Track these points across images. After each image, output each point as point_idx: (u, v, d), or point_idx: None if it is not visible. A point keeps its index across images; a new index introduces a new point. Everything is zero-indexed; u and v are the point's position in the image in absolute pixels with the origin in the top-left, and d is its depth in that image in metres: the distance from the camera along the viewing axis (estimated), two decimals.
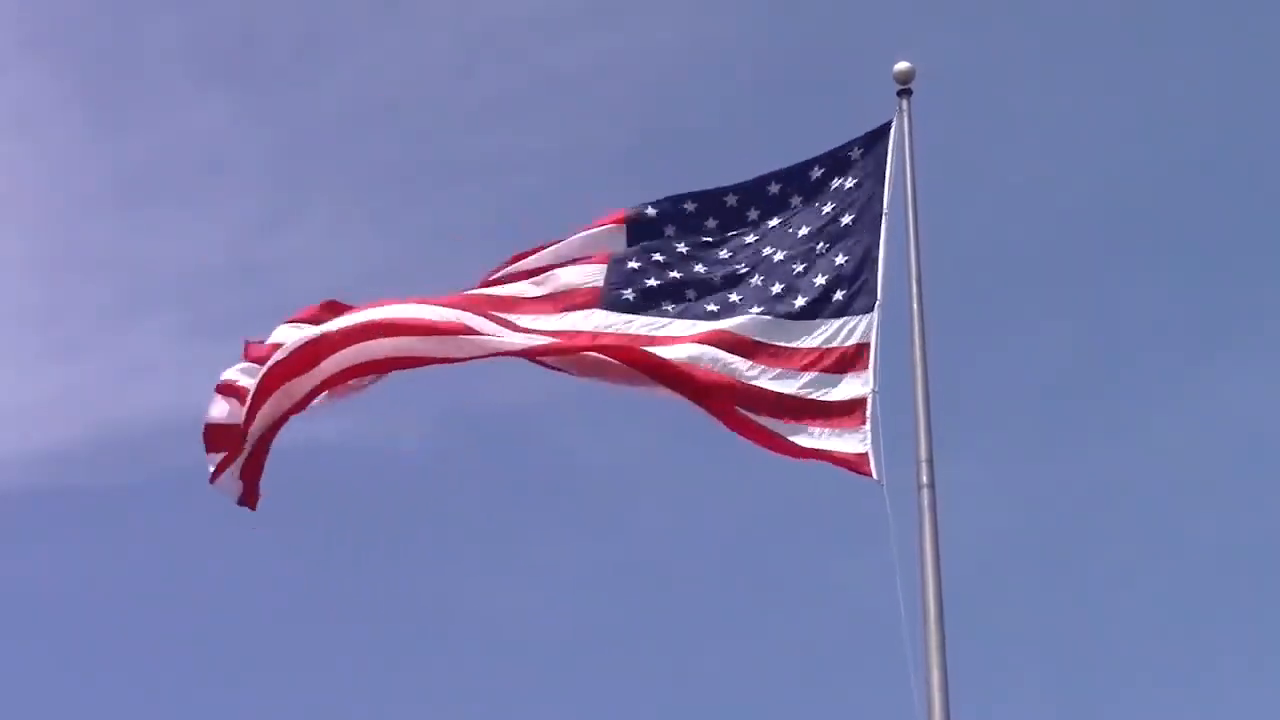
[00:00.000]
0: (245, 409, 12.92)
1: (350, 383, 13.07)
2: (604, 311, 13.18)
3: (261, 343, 13.30)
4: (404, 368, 13.04)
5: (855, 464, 12.20)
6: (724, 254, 13.48)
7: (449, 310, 13.01)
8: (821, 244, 13.24)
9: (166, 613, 29.73)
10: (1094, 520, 28.67)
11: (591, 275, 13.45)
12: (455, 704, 27.98)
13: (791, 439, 12.44)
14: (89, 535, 30.74)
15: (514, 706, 27.74)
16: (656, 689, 28.06)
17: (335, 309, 13.24)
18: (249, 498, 13.22)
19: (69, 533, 30.72)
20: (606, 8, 32.58)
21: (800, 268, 13.21)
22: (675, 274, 13.37)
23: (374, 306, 13.14)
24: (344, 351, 12.91)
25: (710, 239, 13.59)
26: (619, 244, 13.66)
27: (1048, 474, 29.20)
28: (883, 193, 13.18)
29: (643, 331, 13.01)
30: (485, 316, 13.05)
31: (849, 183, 13.39)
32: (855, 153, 13.49)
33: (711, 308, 13.12)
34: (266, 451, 13.12)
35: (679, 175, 29.97)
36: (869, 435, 12.27)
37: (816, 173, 13.58)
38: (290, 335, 13.08)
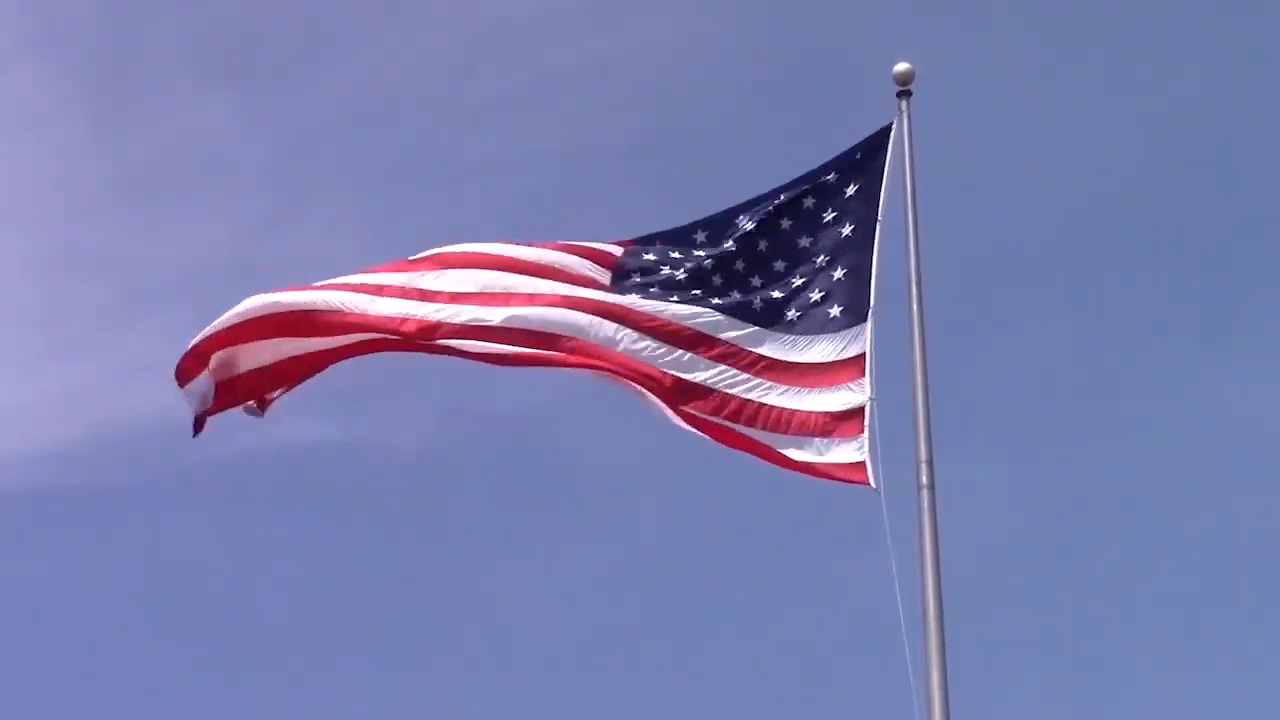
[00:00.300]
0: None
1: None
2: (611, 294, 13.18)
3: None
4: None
5: (848, 474, 12.22)
6: (733, 264, 13.46)
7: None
8: (822, 257, 13.22)
9: (166, 613, 29.80)
10: (1094, 520, 28.69)
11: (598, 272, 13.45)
12: (455, 704, 28.03)
13: (784, 451, 12.47)
14: (89, 535, 30.80)
15: (514, 706, 27.78)
16: (657, 689, 28.08)
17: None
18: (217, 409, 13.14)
19: (69, 533, 30.77)
20: (606, 8, 32.63)
21: (800, 282, 13.21)
22: (681, 274, 13.37)
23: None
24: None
25: (714, 249, 13.56)
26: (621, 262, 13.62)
27: (1048, 474, 29.22)
28: (879, 197, 13.16)
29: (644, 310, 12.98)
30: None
31: (852, 189, 13.36)
32: (860, 157, 13.46)
33: (712, 317, 13.10)
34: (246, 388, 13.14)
35: (679, 175, 30.16)
36: (866, 443, 12.29)
37: (829, 177, 13.52)
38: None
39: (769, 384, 12.76)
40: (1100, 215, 31.03)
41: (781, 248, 13.41)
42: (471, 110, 32.67)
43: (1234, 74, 31.33)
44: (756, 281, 13.29)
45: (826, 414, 12.51)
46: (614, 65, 32.28)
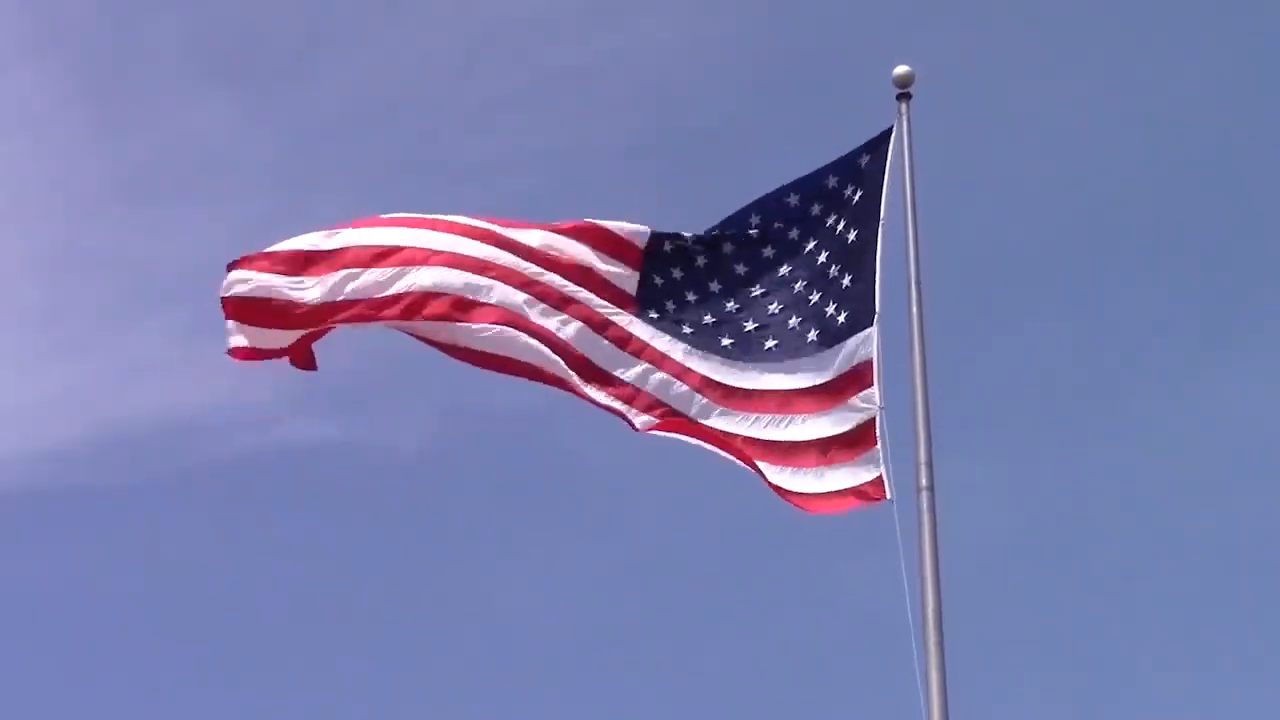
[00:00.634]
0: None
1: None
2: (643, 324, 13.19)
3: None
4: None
5: (866, 494, 12.17)
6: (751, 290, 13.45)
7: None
8: (835, 267, 13.14)
9: (166, 613, 29.81)
10: (1094, 520, 28.68)
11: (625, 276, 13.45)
12: (455, 704, 28.04)
13: (802, 491, 12.43)
14: (89, 535, 30.80)
15: (514, 706, 27.79)
16: (657, 689, 28.09)
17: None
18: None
19: (69, 533, 30.78)
20: (606, 8, 32.62)
21: (816, 296, 13.15)
22: (699, 299, 13.37)
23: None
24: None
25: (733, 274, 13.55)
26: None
27: (1048, 474, 29.22)
28: (880, 200, 13.12)
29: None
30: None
31: (856, 194, 13.30)
32: (863, 160, 13.39)
33: (728, 341, 13.11)
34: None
35: (679, 175, 30.18)
36: (880, 455, 12.24)
37: (831, 181, 13.50)
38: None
39: (778, 417, 12.73)
40: (1100, 215, 31.07)
41: (798, 264, 13.39)
42: (471, 110, 32.69)
43: (1234, 74, 31.36)
44: (775, 307, 13.29)
45: (839, 435, 12.45)
46: (614, 65, 32.32)
